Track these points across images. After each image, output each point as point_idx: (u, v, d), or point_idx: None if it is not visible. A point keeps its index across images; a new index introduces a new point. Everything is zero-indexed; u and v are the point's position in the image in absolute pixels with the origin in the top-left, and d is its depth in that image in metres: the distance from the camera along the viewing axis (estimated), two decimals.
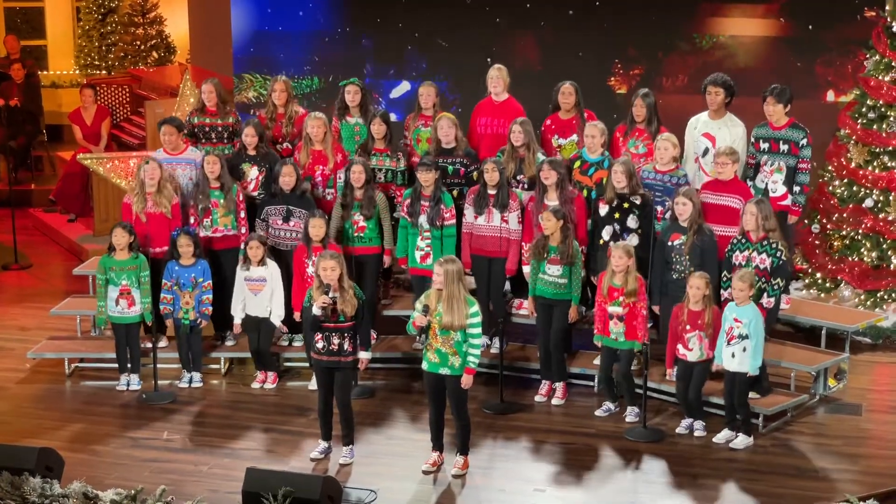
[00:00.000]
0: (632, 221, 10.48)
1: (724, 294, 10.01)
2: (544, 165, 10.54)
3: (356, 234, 10.99)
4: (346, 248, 10.76)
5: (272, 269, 10.82)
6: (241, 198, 11.18)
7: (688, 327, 9.81)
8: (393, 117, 11.94)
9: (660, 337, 10.46)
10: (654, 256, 10.31)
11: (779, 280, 9.99)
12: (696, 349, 9.82)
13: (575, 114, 11.23)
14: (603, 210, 10.58)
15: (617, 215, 10.52)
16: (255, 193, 11.37)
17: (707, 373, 9.86)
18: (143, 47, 18.06)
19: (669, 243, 10.29)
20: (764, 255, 9.98)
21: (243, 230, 11.14)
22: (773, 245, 9.97)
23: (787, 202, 10.82)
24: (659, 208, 10.58)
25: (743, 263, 10.02)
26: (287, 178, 10.97)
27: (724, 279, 10.07)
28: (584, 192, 10.84)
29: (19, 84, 16.51)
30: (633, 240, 10.39)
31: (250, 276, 10.82)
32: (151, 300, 10.83)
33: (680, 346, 9.89)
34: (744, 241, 10.08)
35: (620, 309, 9.99)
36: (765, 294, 9.97)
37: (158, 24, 18.24)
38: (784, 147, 10.77)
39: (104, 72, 17.92)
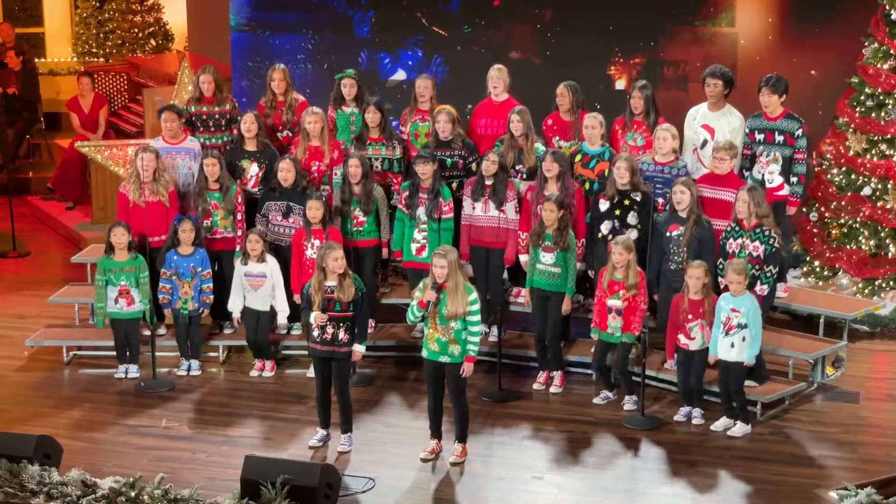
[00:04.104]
0: (631, 218, 10.47)
1: (722, 282, 10.00)
2: (547, 157, 10.53)
3: (355, 229, 10.97)
4: (345, 241, 10.75)
5: (272, 265, 10.80)
6: (239, 199, 11.16)
7: (689, 317, 9.82)
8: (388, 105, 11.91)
9: (658, 325, 10.45)
10: (652, 247, 10.29)
11: (771, 267, 9.99)
12: (699, 338, 9.83)
13: (572, 117, 11.18)
14: (603, 206, 10.57)
15: (617, 212, 10.51)
16: (255, 190, 11.35)
17: (705, 363, 9.86)
18: (140, 35, 18.03)
19: (668, 234, 10.29)
20: (757, 243, 9.97)
21: (240, 233, 11.11)
22: (767, 232, 9.96)
23: (785, 192, 10.82)
24: (660, 200, 10.57)
25: (737, 251, 10.01)
26: (285, 174, 10.95)
27: (720, 266, 10.07)
28: (587, 185, 10.84)
29: (17, 72, 16.48)
30: (632, 235, 10.37)
31: (250, 271, 10.80)
32: (150, 297, 10.84)
33: (681, 336, 9.89)
34: (737, 228, 10.07)
35: (620, 303, 9.98)
36: (758, 282, 9.97)
37: (156, 12, 18.21)
38: (779, 138, 10.76)
39: (102, 59, 17.89)
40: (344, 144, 11.44)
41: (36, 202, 15.52)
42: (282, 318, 10.89)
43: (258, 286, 10.81)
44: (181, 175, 11.41)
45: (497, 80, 11.44)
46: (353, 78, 11.62)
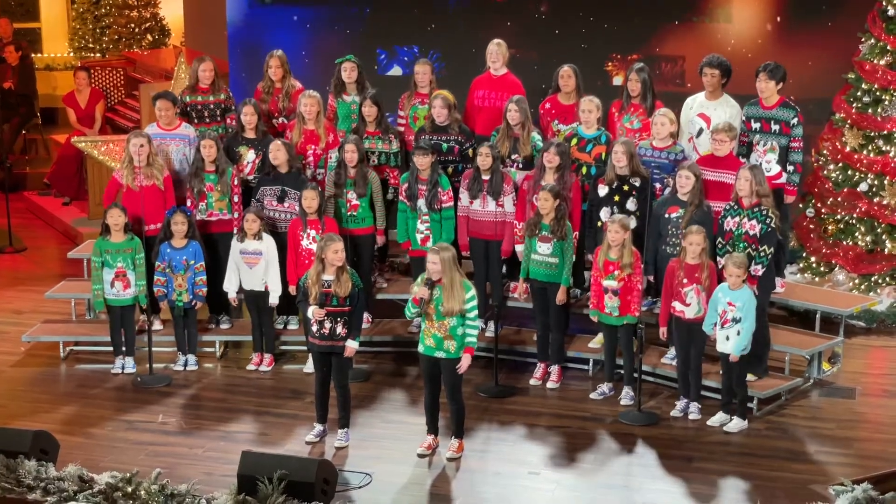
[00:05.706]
0: (630, 204, 10.47)
1: (720, 261, 9.97)
2: (552, 149, 10.51)
3: (349, 213, 10.95)
4: (341, 229, 10.75)
5: (268, 243, 10.77)
6: (236, 182, 11.15)
7: (685, 281, 9.78)
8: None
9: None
10: (648, 228, 10.27)
11: (766, 247, 9.95)
12: (694, 303, 9.79)
13: (576, 99, 11.20)
14: (602, 191, 10.57)
15: (617, 198, 10.51)
16: (252, 177, 11.34)
17: (705, 337, 9.81)
18: (137, 30, 18.02)
19: (666, 216, 10.26)
20: (754, 222, 9.94)
21: (236, 215, 11.10)
22: (764, 212, 9.93)
23: (782, 181, 10.79)
24: (657, 185, 10.56)
25: (734, 229, 9.99)
26: (275, 153, 10.92)
27: (719, 245, 10.06)
28: (584, 169, 10.84)
29: (14, 67, 16.47)
30: (630, 223, 10.37)
31: (245, 248, 10.78)
32: (147, 282, 10.83)
33: (676, 304, 9.85)
34: (736, 206, 10.05)
35: (615, 283, 9.99)
36: (752, 261, 9.94)
37: (153, 7, 18.19)
38: (775, 127, 10.73)
39: (98, 54, 17.88)
40: (344, 133, 11.42)
41: (32, 197, 15.49)
42: (273, 297, 10.82)
43: (253, 264, 10.78)
44: (175, 161, 11.37)
45: (496, 54, 11.47)
46: (354, 62, 11.59)
